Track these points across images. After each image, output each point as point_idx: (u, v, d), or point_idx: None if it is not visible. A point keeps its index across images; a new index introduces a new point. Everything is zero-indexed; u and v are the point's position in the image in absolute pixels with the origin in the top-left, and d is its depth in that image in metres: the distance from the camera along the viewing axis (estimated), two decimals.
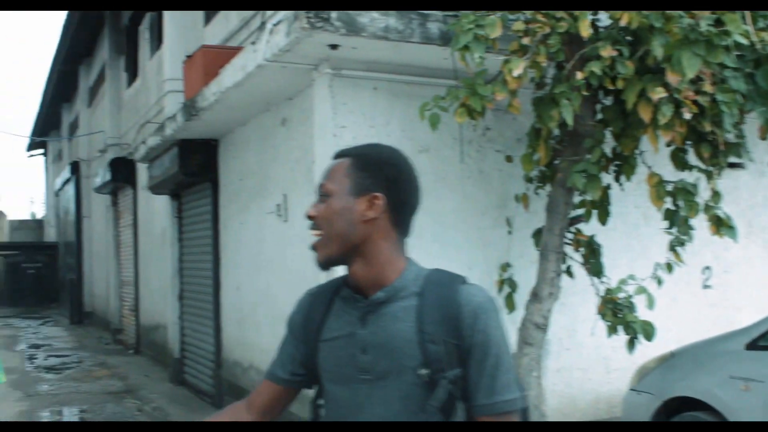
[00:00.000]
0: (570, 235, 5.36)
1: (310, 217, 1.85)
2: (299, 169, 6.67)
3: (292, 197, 6.84)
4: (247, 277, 8.07)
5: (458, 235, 5.93)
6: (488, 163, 6.14)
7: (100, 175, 15.97)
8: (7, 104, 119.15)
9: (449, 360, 1.77)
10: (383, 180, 1.85)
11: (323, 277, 5.54)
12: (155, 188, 10.63)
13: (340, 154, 1.92)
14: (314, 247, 1.85)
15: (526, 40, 4.41)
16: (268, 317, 7.45)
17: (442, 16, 5.28)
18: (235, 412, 2.05)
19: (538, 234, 5.40)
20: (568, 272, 5.47)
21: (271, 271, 7.37)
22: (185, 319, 10.68)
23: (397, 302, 1.83)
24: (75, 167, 21.10)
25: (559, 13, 4.43)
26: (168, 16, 10.93)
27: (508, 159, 5.79)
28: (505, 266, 5.90)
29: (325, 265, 1.85)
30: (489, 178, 6.14)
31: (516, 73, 4.23)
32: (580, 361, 6.52)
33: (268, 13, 7.43)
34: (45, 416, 8.87)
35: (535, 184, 5.54)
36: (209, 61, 7.45)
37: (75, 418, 8.84)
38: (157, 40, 12.88)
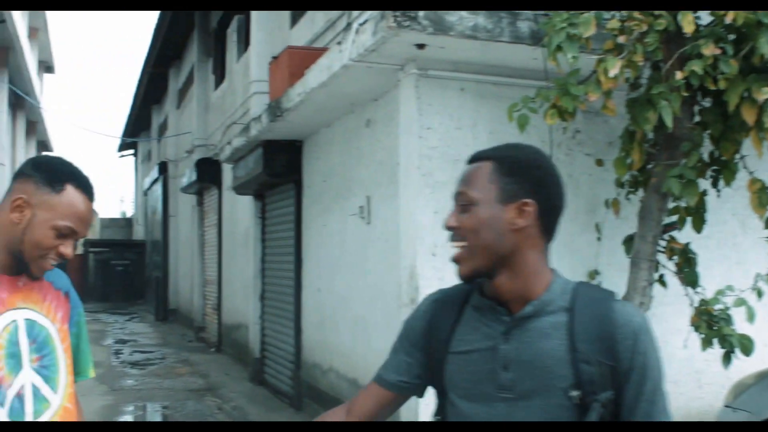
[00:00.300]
0: (663, 243, 5.13)
1: (450, 228, 1.73)
2: (383, 170, 6.60)
3: (375, 199, 6.77)
4: (328, 279, 8.04)
5: None
6: (577, 167, 5.94)
7: (187, 175, 16.26)
8: (100, 107, 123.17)
9: (602, 382, 1.65)
10: (532, 184, 1.72)
11: (405, 283, 5.45)
12: (239, 189, 10.73)
13: (478, 157, 1.80)
14: (457, 260, 1.73)
15: (621, 39, 4.23)
16: (348, 320, 7.40)
17: (533, 15, 5.12)
18: (333, 417, 1.96)
19: (629, 241, 5.18)
20: (661, 281, 5.23)
21: (351, 273, 7.32)
22: (266, 320, 10.74)
23: (544, 317, 1.71)
24: (163, 167, 21.59)
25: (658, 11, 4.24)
26: (255, 18, 11.04)
27: (599, 163, 5.60)
28: (593, 273, 5.71)
29: (469, 278, 1.74)
30: (578, 183, 5.94)
31: (612, 73, 4.05)
32: (670, 373, 6.17)
33: (355, 13, 7.39)
34: (128, 411, 9.04)
35: (626, 189, 5.33)
36: (295, 62, 7.45)
37: (157, 415, 8.98)
38: (244, 42, 13.03)
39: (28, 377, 2.00)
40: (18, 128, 24.18)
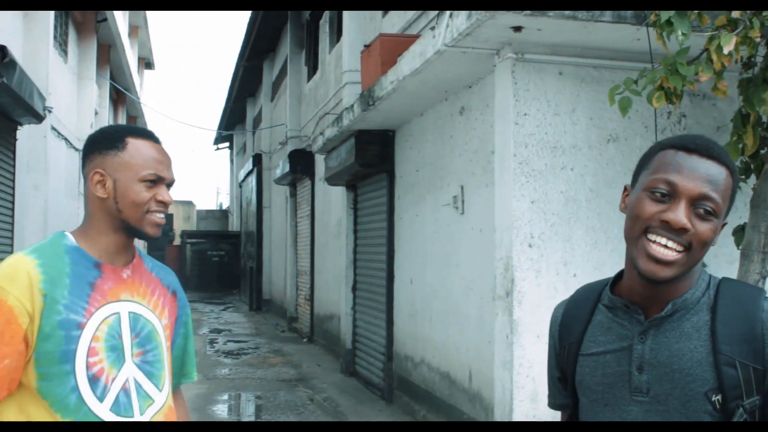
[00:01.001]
0: None
1: (682, 229, 1.52)
2: (477, 159, 6.43)
3: (469, 189, 6.61)
4: (421, 271, 7.92)
5: None
6: None
7: (280, 166, 16.39)
8: (197, 101, 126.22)
9: (748, 386, 1.53)
10: (730, 205, 1.61)
11: (500, 275, 5.26)
12: (332, 179, 10.71)
13: (717, 157, 1.57)
14: (665, 263, 1.53)
15: (736, 13, 3.94)
16: (440, 312, 7.26)
17: None
18: None
19: (739, 231, 4.87)
20: None
21: (444, 264, 7.17)
22: (358, 311, 10.69)
23: (686, 316, 1.61)
24: (257, 159, 21.87)
25: None
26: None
27: None
28: (701, 265, 5.40)
29: (668, 282, 1.57)
30: None
31: (726, 50, 3.77)
32: None
33: None
34: (222, 400, 9.13)
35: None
36: (387, 50, 7.34)
37: (250, 404, 9.05)
38: (336, 33, 13.01)
39: (131, 372, 1.94)
40: (119, 123, 24.92)
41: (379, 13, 10.11)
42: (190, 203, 41.31)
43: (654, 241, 1.54)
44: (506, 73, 5.37)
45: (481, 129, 6.33)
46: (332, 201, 12.55)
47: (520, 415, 5.18)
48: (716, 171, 1.55)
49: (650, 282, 1.57)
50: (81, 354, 1.84)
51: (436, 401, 7.33)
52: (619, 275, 1.73)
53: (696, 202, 1.53)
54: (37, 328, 1.81)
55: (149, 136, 2.02)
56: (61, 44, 14.61)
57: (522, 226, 5.24)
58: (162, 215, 1.99)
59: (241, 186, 27.07)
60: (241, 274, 26.77)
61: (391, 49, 7.25)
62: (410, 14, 8.64)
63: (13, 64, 8.28)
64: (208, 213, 40.57)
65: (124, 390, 1.90)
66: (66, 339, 1.82)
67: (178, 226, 37.77)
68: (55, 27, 13.80)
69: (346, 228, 11.00)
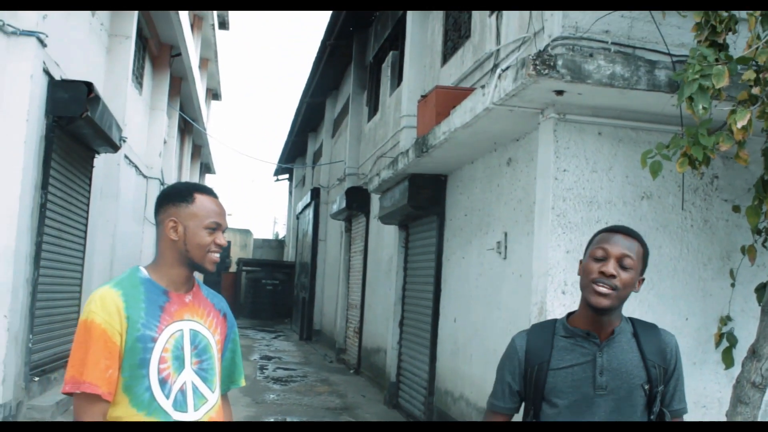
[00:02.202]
0: None
1: (610, 275, 2.47)
2: (521, 208, 6.84)
3: (512, 235, 7.01)
4: (464, 310, 8.31)
5: (677, 285, 5.82)
6: (714, 212, 5.98)
7: (337, 202, 16.94)
8: (260, 133, 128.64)
9: (660, 379, 2.58)
10: (645, 268, 2.62)
11: (534, 318, 5.65)
12: (385, 218, 11.21)
13: (633, 235, 2.58)
14: (604, 295, 2.47)
15: (756, 90, 4.33)
16: (480, 351, 7.64)
17: (671, 63, 5.27)
18: None
19: (761, 288, 5.21)
20: None
21: (486, 305, 7.57)
22: (404, 345, 11.11)
23: (622, 338, 2.58)
24: (315, 193, 22.50)
25: None
26: (408, 55, 11.53)
27: (735, 209, 5.65)
28: (725, 319, 5.74)
29: (604, 311, 2.50)
30: (714, 228, 5.98)
31: (740, 124, 4.17)
32: None
33: (501, 54, 7.69)
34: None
35: (763, 237, 5.36)
36: (441, 101, 7.82)
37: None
38: (397, 78, 13.58)
39: (189, 376, 2.47)
40: (185, 151, 25.88)
41: (439, 62, 10.62)
42: (247, 232, 42.23)
43: (597, 284, 2.50)
44: (549, 132, 5.81)
45: (526, 180, 6.75)
46: (385, 238, 13.02)
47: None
48: (631, 243, 2.55)
49: (597, 311, 2.51)
50: (154, 361, 2.39)
51: None
52: (568, 316, 2.66)
53: (619, 260, 2.51)
54: (124, 343, 2.36)
55: (210, 192, 2.60)
56: (138, 77, 15.48)
57: (557, 273, 5.64)
58: (218, 255, 2.56)
59: (298, 217, 27.76)
60: (294, 304, 27.35)
61: (446, 100, 7.74)
62: (467, 66, 9.12)
63: (97, 99, 9.00)
64: (265, 242, 41.41)
65: (181, 390, 2.44)
66: (143, 350, 2.38)
67: (235, 253, 38.62)
68: (134, 62, 14.67)
69: (396, 265, 11.46)
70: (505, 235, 7.13)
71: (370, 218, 14.81)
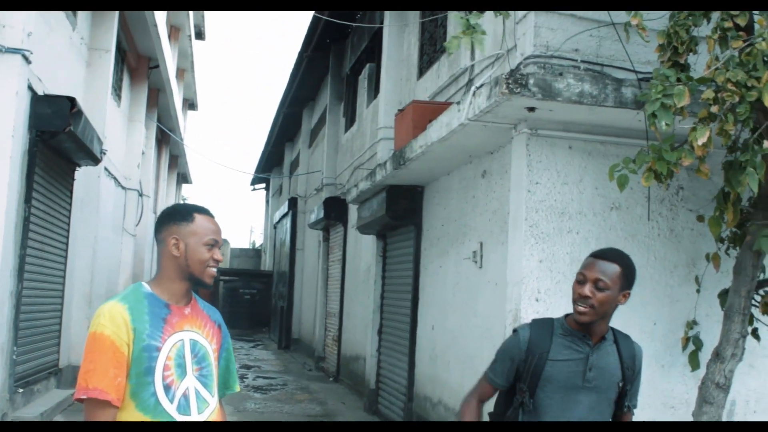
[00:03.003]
0: (758, 298, 5.40)
1: (585, 297, 2.98)
2: (496, 219, 7.08)
3: (487, 245, 7.25)
4: (441, 318, 8.54)
5: (645, 291, 6.07)
6: (679, 221, 6.26)
7: (315, 212, 17.11)
8: (236, 143, 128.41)
9: (629, 379, 3.17)
10: (632, 283, 3.10)
11: (509, 325, 5.88)
12: (363, 228, 11.42)
13: (611, 258, 3.07)
14: (582, 313, 3.00)
15: (714, 109, 4.60)
16: (458, 357, 7.86)
17: (637, 82, 5.54)
18: (471, 407, 3.26)
19: (723, 294, 5.48)
20: (755, 334, 5.49)
21: (463, 313, 7.79)
22: (382, 353, 11.32)
23: (607, 344, 3.14)
24: (293, 203, 22.65)
25: (750, 81, 4.59)
26: (385, 69, 11.78)
27: (700, 218, 5.91)
28: (691, 324, 6.01)
29: (586, 325, 3.04)
30: (680, 237, 6.25)
31: (701, 141, 4.44)
32: None
33: (476, 70, 7.94)
34: None
35: (726, 245, 5.63)
36: (418, 115, 8.05)
37: None
38: (374, 90, 13.81)
39: (191, 382, 2.69)
40: (162, 162, 25.94)
41: (415, 75, 10.87)
42: (224, 241, 42.20)
43: (577, 304, 3.04)
44: (521, 146, 6.06)
45: (500, 192, 6.99)
46: (363, 248, 13.23)
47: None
48: (608, 266, 3.03)
49: (580, 324, 3.06)
50: (159, 369, 2.60)
51: None
52: (566, 317, 3.15)
53: (595, 283, 3.00)
54: (131, 352, 2.57)
55: (207, 213, 2.84)
56: (116, 90, 15.59)
57: (530, 282, 5.89)
58: (215, 269, 2.78)
59: (275, 227, 27.87)
60: (272, 313, 27.43)
61: (422, 114, 7.97)
62: (443, 80, 9.37)
63: (79, 113, 9.15)
64: (242, 251, 41.45)
65: (184, 396, 2.65)
66: (149, 358, 2.59)
67: None
68: (113, 75, 14.79)
69: (374, 274, 11.68)
70: (481, 244, 7.37)
71: (348, 227, 15.00)
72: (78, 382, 2.54)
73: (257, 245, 46.48)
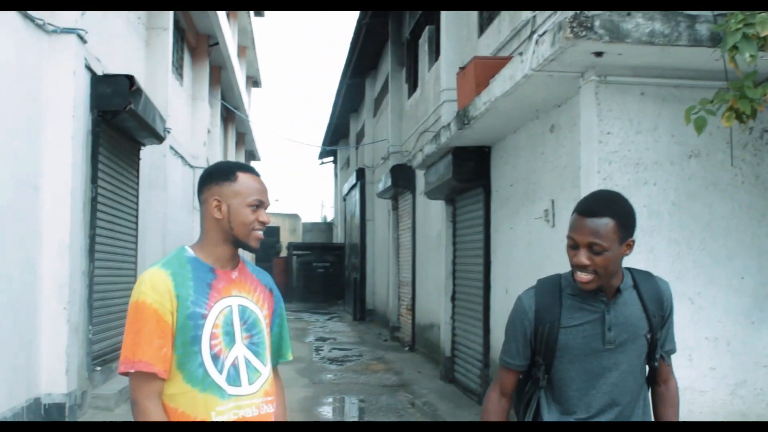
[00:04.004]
0: None
1: (583, 266, 2.55)
2: (567, 175, 6.77)
3: (559, 203, 6.95)
4: (515, 281, 8.28)
5: (730, 244, 5.71)
6: (765, 167, 5.83)
7: (382, 181, 16.96)
8: (302, 118, 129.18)
9: (658, 326, 2.72)
10: (633, 227, 2.64)
11: None
12: (431, 193, 11.18)
13: (599, 213, 2.56)
14: (586, 282, 2.57)
15: None
16: None
17: (712, 17, 5.14)
18: (495, 403, 2.84)
19: None
20: None
21: (536, 274, 7.46)
22: (457, 320, 11.12)
23: (624, 294, 2.69)
24: (360, 174, 22.55)
25: None
26: (444, 29, 11.46)
27: None
28: None
29: (594, 290, 2.62)
30: (766, 184, 5.84)
31: None
32: None
33: (538, 21, 7.60)
34: (327, 402, 9.70)
35: None
36: (480, 72, 7.75)
37: (353, 407, 9.58)
38: (435, 52, 13.49)
39: (241, 351, 2.50)
40: (229, 140, 26.09)
41: (475, 33, 10.54)
42: (296, 216, 42.50)
43: (576, 272, 2.62)
44: (590, 95, 5.72)
45: (570, 146, 6.67)
46: (432, 214, 13.01)
47: None
48: (598, 223, 2.54)
49: (587, 291, 2.63)
50: (205, 338, 2.42)
51: None
52: (570, 273, 2.72)
53: (589, 247, 2.55)
54: (175, 321, 2.40)
55: (252, 171, 2.61)
56: (178, 68, 15.63)
57: None
58: (262, 232, 2.57)
59: (344, 199, 27.85)
60: (346, 285, 27.50)
61: (484, 71, 7.67)
62: (504, 35, 9.03)
63: (139, 91, 9.12)
64: (313, 225, 41.65)
65: (234, 365, 2.47)
66: (194, 327, 2.41)
67: (285, 238, 38.89)
68: (173, 53, 14.81)
69: (445, 240, 11.45)
70: (552, 202, 7.07)
71: (416, 195, 14.80)
72: (122, 355, 2.39)
73: (328, 219, 46.66)
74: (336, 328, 20.07)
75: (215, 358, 2.43)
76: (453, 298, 11.29)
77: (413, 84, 15.89)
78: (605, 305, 2.65)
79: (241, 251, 2.61)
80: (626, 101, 5.68)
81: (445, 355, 11.33)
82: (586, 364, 2.66)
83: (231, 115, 25.46)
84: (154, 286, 2.40)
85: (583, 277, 2.58)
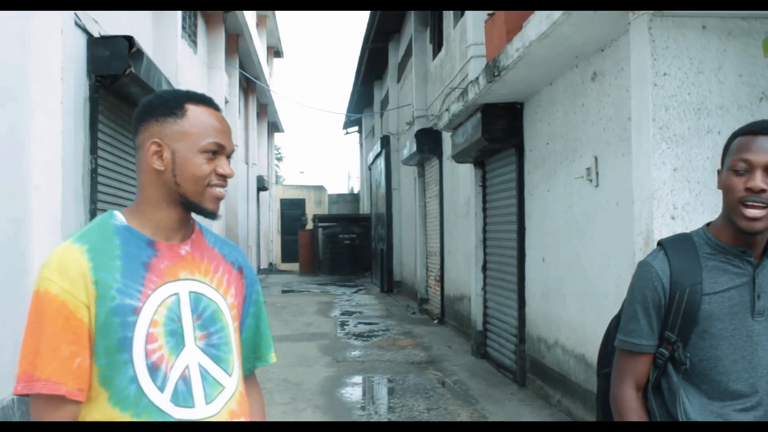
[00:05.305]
0: None
1: (760, 191, 2.03)
2: (612, 127, 6.00)
3: (603, 159, 6.19)
4: (553, 248, 7.53)
5: None
6: None
7: (407, 146, 16.23)
8: (326, 87, 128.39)
9: None
10: None
11: (639, 251, 4.84)
12: (458, 156, 10.41)
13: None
14: (756, 219, 2.05)
15: None
16: (575, 291, 6.87)
17: None
18: (630, 402, 2.21)
19: None
20: None
21: (579, 241, 6.77)
22: (488, 291, 10.38)
23: None
24: (385, 141, 21.81)
25: None
26: None
27: None
28: None
29: (750, 236, 2.10)
30: None
31: None
32: None
33: None
34: (350, 383, 9.04)
35: None
36: (511, 17, 6.98)
37: (380, 387, 8.92)
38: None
39: (193, 357, 1.76)
40: (250, 111, 25.42)
41: None
42: (321, 188, 41.77)
43: (746, 205, 2.06)
44: (642, 31, 4.92)
45: (616, 94, 5.89)
46: (460, 179, 12.26)
47: None
48: None
49: (750, 234, 2.09)
50: (139, 341, 1.69)
51: (571, 386, 6.95)
52: (707, 227, 2.22)
53: (767, 169, 2.05)
54: (94, 318, 1.66)
55: (209, 102, 1.85)
56: (191, 35, 14.93)
57: (663, 196, 4.80)
58: (222, 189, 1.82)
59: (370, 169, 27.15)
60: (372, 257, 26.87)
61: (516, 15, 6.89)
62: None
63: (140, 53, 8.41)
64: (339, 197, 41.01)
65: (183, 378, 1.73)
66: (122, 326, 1.68)
67: (310, 210, 38.28)
68: (184, 18, 14.10)
69: (474, 206, 10.69)
70: (596, 159, 6.30)
71: (443, 160, 14.04)
72: (19, 368, 1.67)
73: (355, 190, 45.99)
74: (362, 301, 19.41)
75: (154, 368, 1.70)
76: (484, 268, 10.54)
77: (438, 44, 15.06)
78: (753, 267, 2.14)
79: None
80: (685, 37, 4.87)
81: (477, 329, 10.60)
82: (733, 339, 2.14)
83: (251, 85, 24.77)
84: (63, 269, 1.67)
85: (753, 212, 2.05)
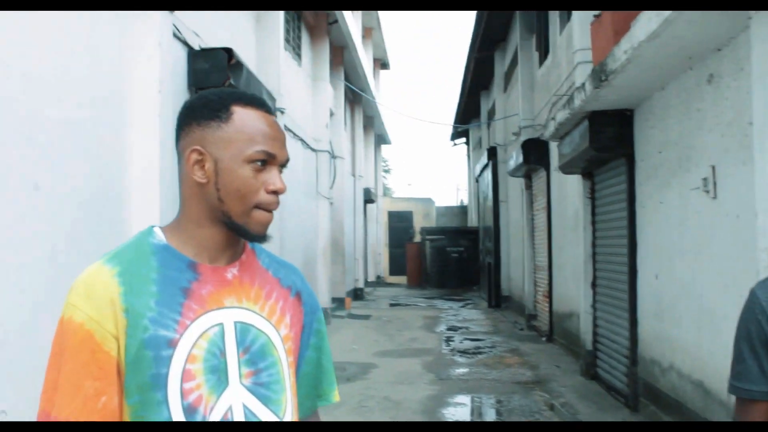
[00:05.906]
0: None
1: None
2: (731, 134, 5.50)
3: (722, 169, 5.69)
4: (667, 264, 7.02)
5: None
6: None
7: (514, 157, 15.81)
8: (433, 98, 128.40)
9: None
10: None
11: (765, 269, 4.35)
12: (565, 167, 9.96)
13: None
14: None
15: None
16: (692, 311, 6.35)
17: None
18: None
19: None
20: None
21: (695, 257, 6.26)
22: (598, 308, 9.86)
23: None
24: (492, 152, 21.39)
25: None
26: None
27: None
28: None
29: None
30: None
31: None
32: None
33: None
34: (452, 402, 8.70)
35: None
36: (619, 18, 6.55)
37: (483, 408, 8.55)
38: (566, 13, 12.21)
39: (238, 397, 1.50)
40: (356, 123, 25.46)
41: None
42: (429, 200, 41.56)
43: None
44: (764, 27, 4.45)
45: (735, 98, 5.40)
46: (568, 191, 11.78)
47: None
48: None
49: None
50: (174, 379, 1.43)
51: (687, 413, 6.43)
52: None
53: None
54: (124, 351, 1.42)
55: (260, 105, 1.57)
56: (295, 48, 14.98)
57: None
58: (271, 213, 1.55)
59: (477, 180, 26.74)
60: (480, 270, 26.41)
61: (623, 15, 6.46)
62: None
63: (239, 65, 8.39)
64: (447, 209, 40.68)
65: (226, 422, 1.47)
66: (155, 361, 1.42)
67: (418, 223, 38.13)
68: (287, 31, 14.15)
69: (583, 219, 10.20)
70: (713, 169, 5.81)
71: (551, 171, 13.55)
72: (40, 404, 1.44)
73: (464, 202, 45.56)
74: (469, 315, 19.01)
75: (191, 410, 1.44)
76: (594, 285, 10.03)
77: (544, 51, 14.61)
78: None
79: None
80: None
81: (586, 348, 10.09)
82: None
83: (357, 98, 24.81)
84: (90, 294, 1.43)
85: None
